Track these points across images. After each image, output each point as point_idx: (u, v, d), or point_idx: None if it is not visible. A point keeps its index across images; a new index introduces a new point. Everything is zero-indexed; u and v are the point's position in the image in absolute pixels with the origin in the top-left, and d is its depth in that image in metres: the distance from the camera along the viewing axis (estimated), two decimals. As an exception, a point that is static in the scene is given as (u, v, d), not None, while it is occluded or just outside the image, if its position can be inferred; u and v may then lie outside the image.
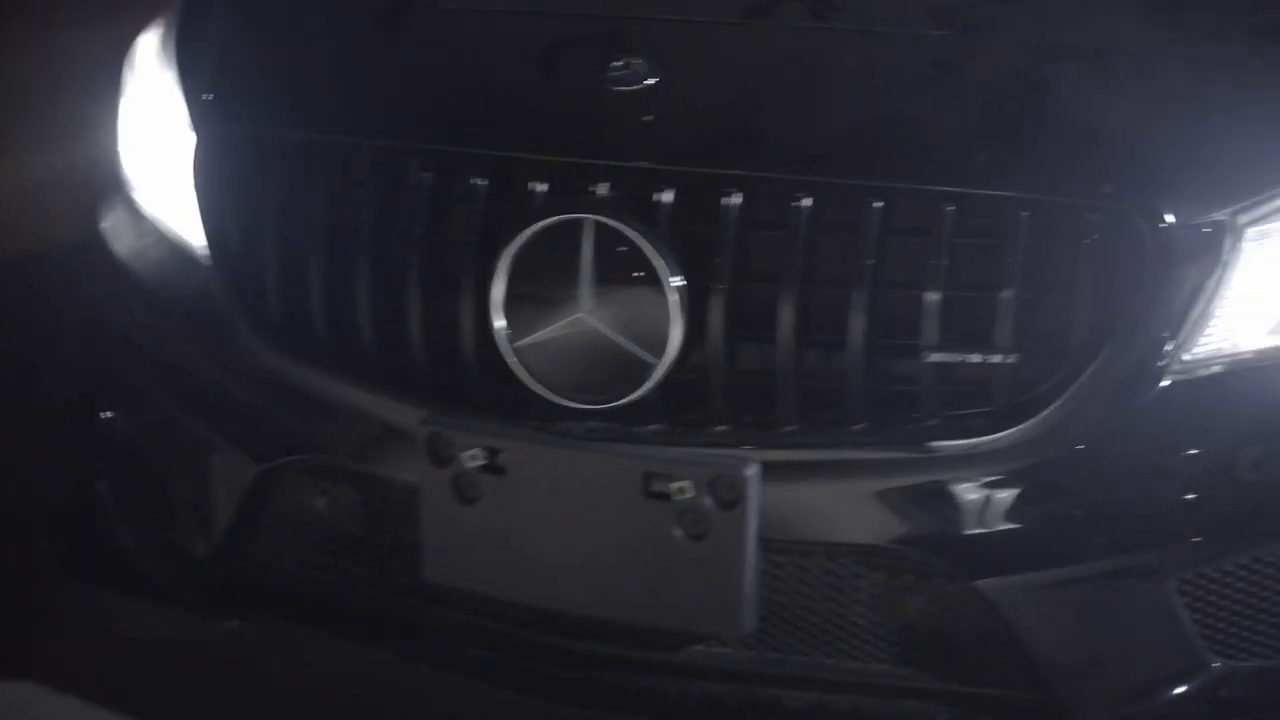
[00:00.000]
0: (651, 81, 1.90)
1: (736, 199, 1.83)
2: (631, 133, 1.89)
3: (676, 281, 1.81)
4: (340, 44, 2.15)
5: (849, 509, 1.85)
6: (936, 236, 1.78)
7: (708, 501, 1.82)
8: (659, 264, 1.81)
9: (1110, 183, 1.78)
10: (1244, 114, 1.84)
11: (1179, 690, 1.85)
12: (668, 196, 1.84)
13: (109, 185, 2.30)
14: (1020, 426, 1.79)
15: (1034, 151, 1.83)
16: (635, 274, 1.82)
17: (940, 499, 1.82)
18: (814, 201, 1.81)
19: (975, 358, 1.78)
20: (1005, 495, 1.81)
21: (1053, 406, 1.78)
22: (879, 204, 1.79)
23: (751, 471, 1.82)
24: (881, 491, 1.83)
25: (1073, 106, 1.87)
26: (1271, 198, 1.79)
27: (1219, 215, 1.78)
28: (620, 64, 1.91)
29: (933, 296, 1.78)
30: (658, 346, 1.82)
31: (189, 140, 2.13)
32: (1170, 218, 1.77)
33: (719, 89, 1.94)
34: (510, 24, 2.07)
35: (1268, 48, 1.90)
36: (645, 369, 1.83)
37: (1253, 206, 1.78)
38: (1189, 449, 1.81)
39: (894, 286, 1.80)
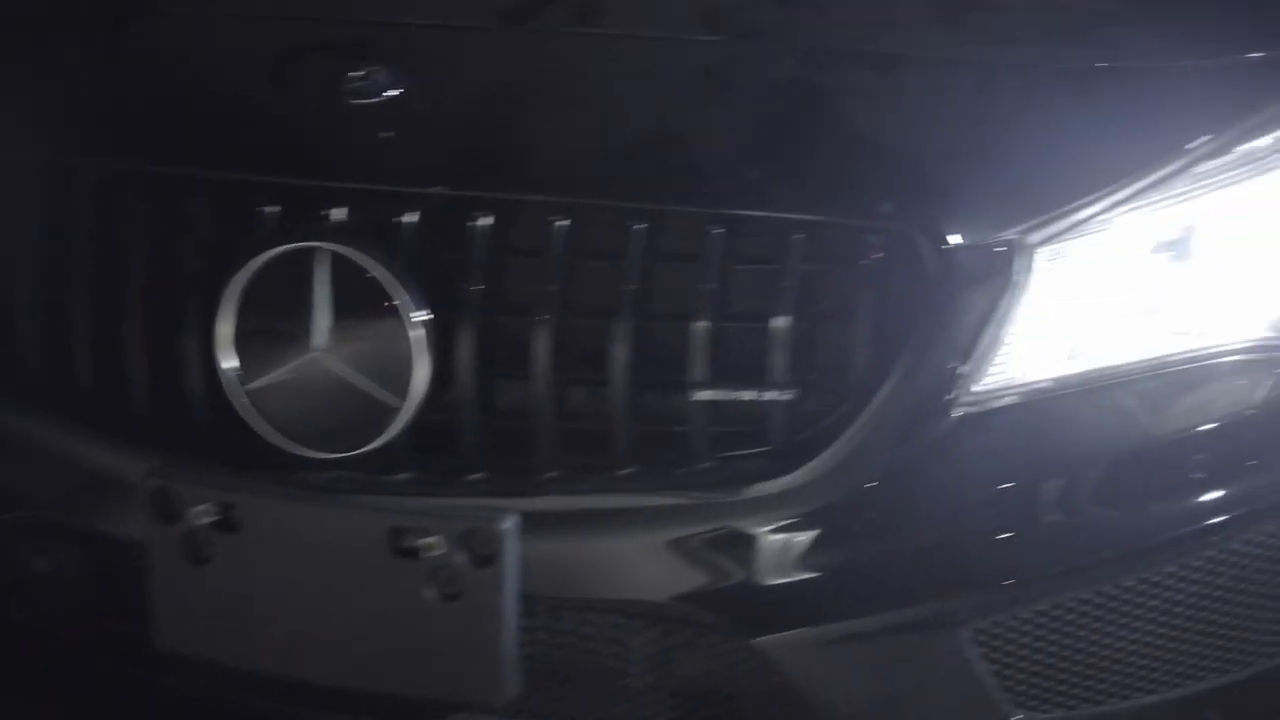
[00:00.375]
0: (394, 93, 1.71)
1: (487, 222, 1.65)
2: (371, 150, 1.70)
3: (420, 315, 1.63)
4: (58, 54, 1.92)
5: (617, 562, 1.68)
6: (704, 262, 1.62)
7: (461, 558, 1.64)
8: (401, 296, 1.63)
9: (890, 201, 1.63)
10: (1034, 125, 1.69)
11: (978, 746, 1.73)
12: (411, 221, 1.66)
13: None
14: (800, 468, 1.63)
15: (809, 168, 1.67)
16: (375, 307, 1.63)
17: (716, 549, 1.65)
18: (572, 224, 1.64)
19: (748, 394, 1.63)
20: (786, 543, 1.65)
21: (834, 446, 1.62)
22: (642, 226, 1.63)
23: (509, 524, 1.64)
24: (652, 542, 1.66)
25: (852, 118, 1.71)
26: (1064, 215, 1.64)
27: (1008, 235, 1.63)
28: (359, 74, 1.71)
29: (701, 327, 1.62)
30: (402, 387, 1.64)
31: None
32: (955, 238, 1.62)
33: (468, 101, 1.75)
34: (241, 31, 1.86)
35: (1060, 52, 1.76)
36: (389, 413, 1.64)
37: (1044, 225, 1.64)
38: (983, 487, 1.66)
39: (660, 317, 1.64)
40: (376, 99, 1.71)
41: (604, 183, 1.68)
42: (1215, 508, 1.70)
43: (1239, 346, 1.71)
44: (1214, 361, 1.70)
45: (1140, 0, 1.86)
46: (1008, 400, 1.66)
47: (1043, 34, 1.78)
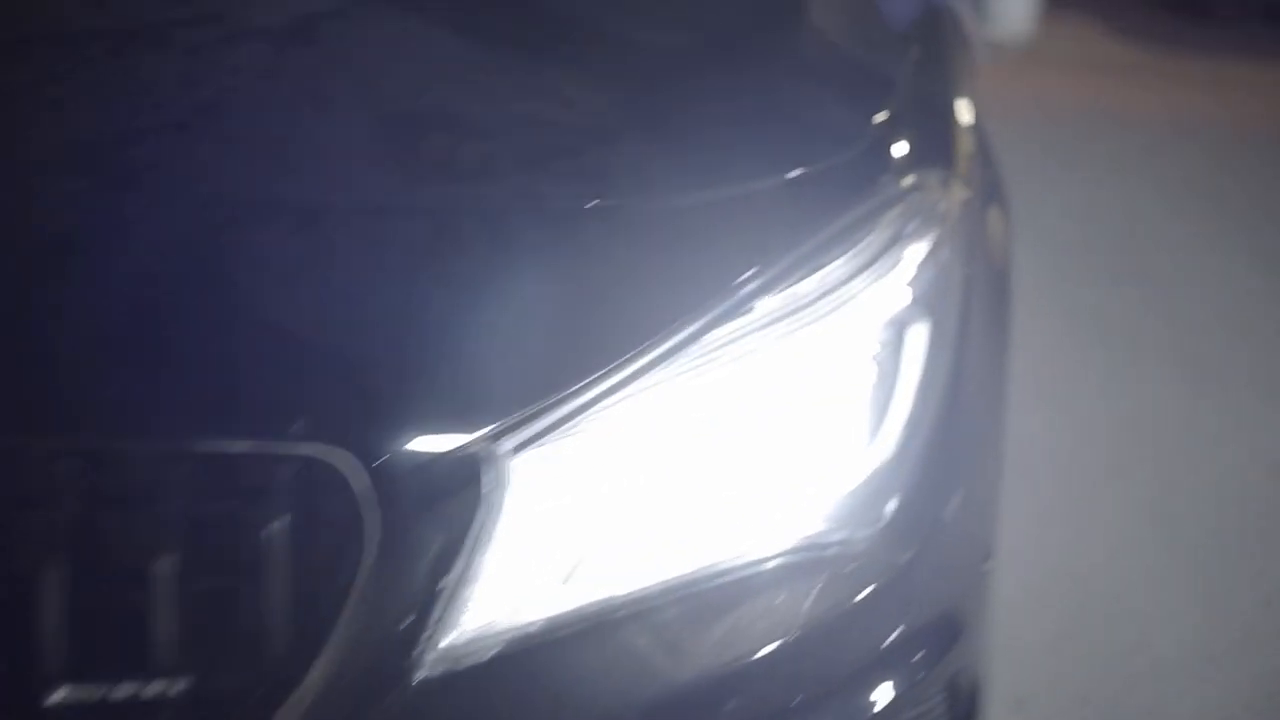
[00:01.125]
0: None
1: None
2: None
3: None
4: None
5: None
6: (56, 506, 1.17)
7: None
8: None
9: (303, 415, 1.21)
10: (501, 293, 1.30)
11: None
12: None
13: None
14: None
15: (189, 375, 1.23)
16: None
17: None
18: None
19: (125, 687, 1.20)
20: None
21: (256, 742, 1.22)
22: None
23: None
24: None
25: (251, 299, 1.26)
26: (544, 411, 1.26)
27: (471, 442, 1.24)
28: None
29: (52, 595, 1.17)
30: None
31: None
32: (396, 454, 1.22)
33: None
34: None
35: (539, 189, 1.37)
36: None
37: (518, 426, 1.26)
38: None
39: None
40: None
41: None
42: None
43: (777, 552, 1.36)
44: (748, 574, 1.35)
45: (643, 116, 1.51)
46: (489, 652, 1.27)
47: (517, 165, 1.39)
